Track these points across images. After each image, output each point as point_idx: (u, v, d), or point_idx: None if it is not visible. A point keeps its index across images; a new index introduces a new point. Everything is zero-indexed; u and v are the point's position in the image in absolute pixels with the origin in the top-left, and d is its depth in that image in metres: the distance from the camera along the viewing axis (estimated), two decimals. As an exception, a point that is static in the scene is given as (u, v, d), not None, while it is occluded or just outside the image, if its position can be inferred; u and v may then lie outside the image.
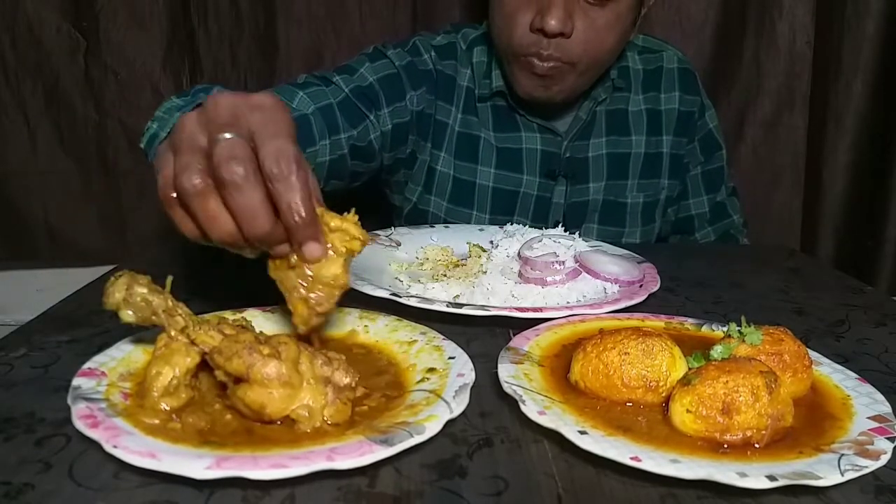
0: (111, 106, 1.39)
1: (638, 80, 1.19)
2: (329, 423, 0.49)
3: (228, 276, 0.85)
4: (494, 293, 0.79)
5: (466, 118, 1.14)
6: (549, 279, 0.79)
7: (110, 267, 0.92)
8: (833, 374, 0.60)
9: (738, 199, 1.28)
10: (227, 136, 0.50)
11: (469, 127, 1.15)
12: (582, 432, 0.48)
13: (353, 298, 0.74)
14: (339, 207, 0.56)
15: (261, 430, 0.48)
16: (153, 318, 0.52)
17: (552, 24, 0.97)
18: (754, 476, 0.43)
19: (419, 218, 1.15)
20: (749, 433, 0.48)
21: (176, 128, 0.53)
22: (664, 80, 1.20)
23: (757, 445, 0.48)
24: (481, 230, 1.01)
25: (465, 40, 1.17)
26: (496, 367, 0.57)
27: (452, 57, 1.15)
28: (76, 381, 0.51)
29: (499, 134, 1.15)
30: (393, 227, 1.00)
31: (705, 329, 0.69)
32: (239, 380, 0.49)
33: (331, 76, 1.07)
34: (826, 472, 0.44)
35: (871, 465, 0.46)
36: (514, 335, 0.64)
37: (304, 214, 0.50)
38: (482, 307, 0.70)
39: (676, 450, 0.47)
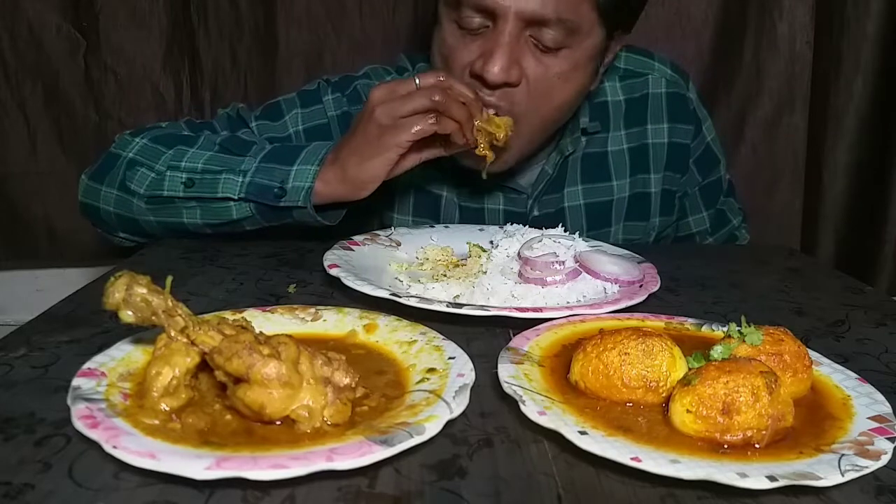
0: (111, 106, 1.39)
1: (619, 114, 1.09)
2: (329, 423, 0.49)
3: (229, 276, 0.85)
4: (494, 293, 0.78)
5: (425, 171, 0.99)
6: (549, 279, 0.79)
7: (110, 267, 0.92)
8: (833, 375, 0.60)
9: (735, 193, 1.25)
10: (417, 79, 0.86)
11: (429, 182, 1.06)
12: (582, 432, 0.48)
13: (353, 298, 0.74)
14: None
15: (261, 430, 0.48)
16: (153, 318, 0.52)
17: (494, 71, 0.87)
18: (754, 476, 0.43)
19: None
20: (749, 433, 0.48)
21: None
22: (651, 111, 1.10)
23: (757, 446, 0.48)
24: (481, 230, 1.01)
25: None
26: (496, 368, 0.57)
27: None
28: (76, 382, 0.51)
29: (461, 189, 1.07)
30: (393, 227, 1.00)
31: (705, 329, 0.69)
32: (239, 380, 0.49)
33: (249, 118, 1.03)
34: (826, 472, 0.44)
35: (872, 466, 0.46)
36: (514, 335, 0.64)
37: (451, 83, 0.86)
38: (482, 307, 0.70)
39: (676, 450, 0.47)
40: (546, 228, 0.88)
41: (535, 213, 1.09)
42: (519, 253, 0.83)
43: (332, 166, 0.88)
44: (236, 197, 0.90)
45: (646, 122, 1.11)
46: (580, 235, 0.86)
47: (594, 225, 1.11)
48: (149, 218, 0.96)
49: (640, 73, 1.11)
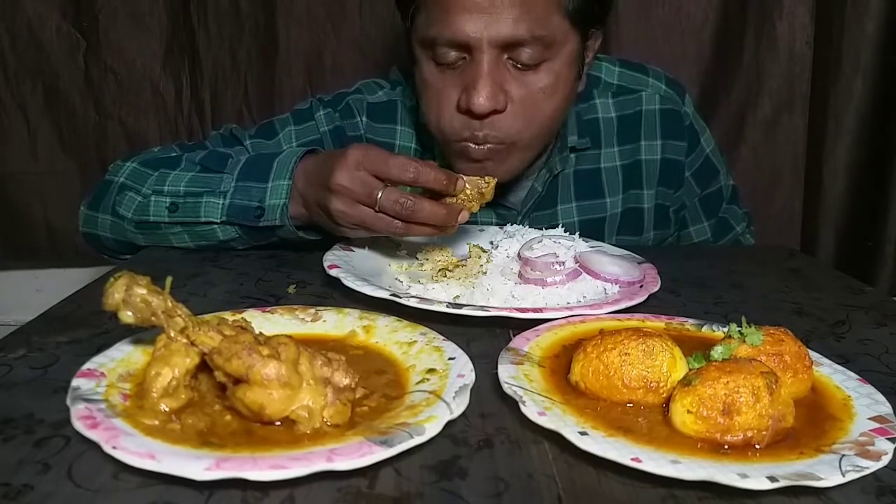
0: (111, 106, 1.39)
1: (611, 132, 1.08)
2: (329, 423, 0.49)
3: (228, 277, 0.85)
4: (494, 294, 0.78)
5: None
6: (549, 280, 0.79)
7: (110, 267, 0.92)
8: (834, 375, 0.60)
9: (739, 198, 1.24)
10: (379, 194, 0.77)
11: None
12: (582, 433, 0.48)
13: (353, 298, 0.74)
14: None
15: (260, 430, 0.48)
16: (152, 318, 0.52)
17: (480, 101, 0.86)
18: (755, 477, 0.43)
19: None
20: (750, 434, 0.48)
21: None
22: (644, 127, 1.09)
23: (758, 446, 0.48)
24: (481, 230, 1.01)
25: (414, 92, 1.06)
26: (496, 368, 0.57)
27: (390, 119, 1.07)
28: (75, 382, 0.51)
29: None
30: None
31: (706, 330, 0.69)
32: (238, 380, 0.49)
33: (243, 137, 1.04)
34: (827, 472, 0.44)
35: (872, 466, 0.46)
36: (514, 336, 0.64)
37: (435, 177, 0.77)
38: (482, 308, 0.70)
39: (677, 451, 0.47)
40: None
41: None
42: (519, 253, 0.83)
43: (303, 203, 0.85)
44: (218, 220, 0.89)
45: (639, 139, 1.09)
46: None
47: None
48: (140, 242, 0.96)
49: (633, 90, 1.10)
